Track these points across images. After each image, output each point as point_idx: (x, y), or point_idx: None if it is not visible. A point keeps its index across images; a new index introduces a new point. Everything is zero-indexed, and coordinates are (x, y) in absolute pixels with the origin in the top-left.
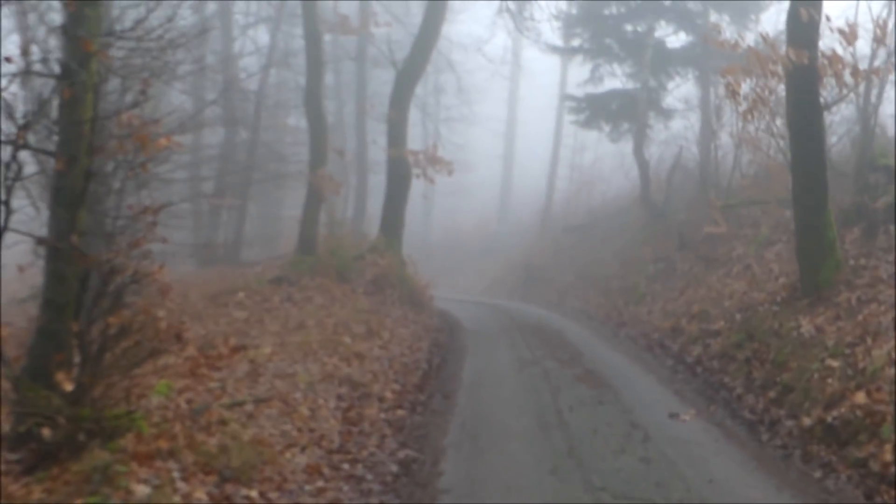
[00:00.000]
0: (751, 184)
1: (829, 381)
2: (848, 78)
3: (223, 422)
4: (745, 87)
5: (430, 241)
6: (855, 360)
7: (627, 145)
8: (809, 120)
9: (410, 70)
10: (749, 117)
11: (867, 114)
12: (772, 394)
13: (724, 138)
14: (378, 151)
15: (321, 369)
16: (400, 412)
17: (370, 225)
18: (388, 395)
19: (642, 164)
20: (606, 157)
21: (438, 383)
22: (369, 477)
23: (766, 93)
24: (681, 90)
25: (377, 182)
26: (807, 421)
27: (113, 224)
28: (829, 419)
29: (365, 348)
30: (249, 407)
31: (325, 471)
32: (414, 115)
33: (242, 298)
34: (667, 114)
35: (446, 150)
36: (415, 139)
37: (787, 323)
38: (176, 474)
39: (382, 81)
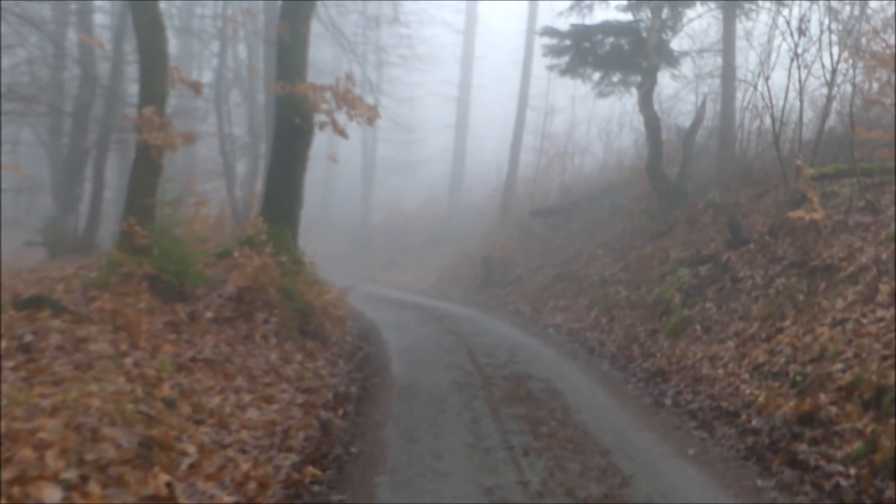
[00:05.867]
0: (845, 144)
1: None
2: None
3: None
4: None
5: (369, 226)
6: None
7: (613, 105)
8: None
9: None
10: None
11: None
12: None
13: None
14: None
15: None
16: None
17: None
18: None
19: (651, 121)
20: (582, 123)
21: None
22: None
23: None
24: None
25: None
26: None
27: None
28: None
29: None
30: None
31: None
32: (339, 56)
33: None
34: (673, 59)
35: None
36: None
37: None
38: None
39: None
